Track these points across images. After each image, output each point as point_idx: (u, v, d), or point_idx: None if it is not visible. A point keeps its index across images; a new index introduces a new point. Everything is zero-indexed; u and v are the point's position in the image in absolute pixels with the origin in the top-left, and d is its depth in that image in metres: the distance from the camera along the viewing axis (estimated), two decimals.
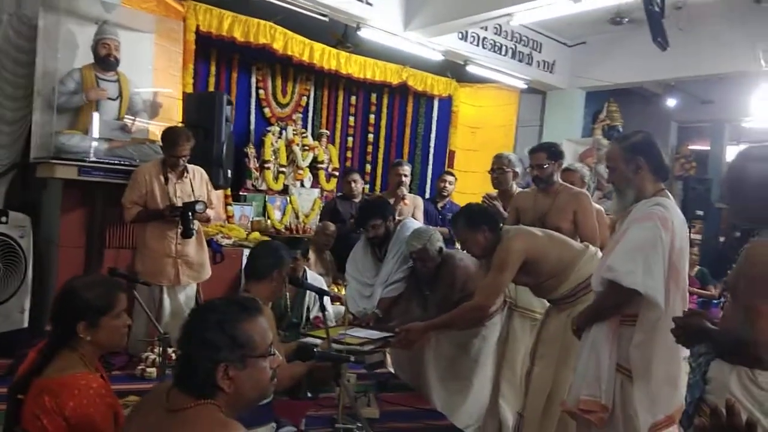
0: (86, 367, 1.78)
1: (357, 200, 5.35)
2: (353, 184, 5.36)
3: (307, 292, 4.13)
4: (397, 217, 4.02)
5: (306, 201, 6.34)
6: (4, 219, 3.91)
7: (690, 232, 8.26)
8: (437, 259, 3.47)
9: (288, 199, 6.19)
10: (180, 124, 4.38)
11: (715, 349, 1.72)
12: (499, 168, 4.03)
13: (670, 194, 2.31)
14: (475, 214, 2.92)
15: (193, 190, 3.92)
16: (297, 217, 6.19)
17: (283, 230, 5.79)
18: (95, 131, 4.07)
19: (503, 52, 6.71)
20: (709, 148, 9.00)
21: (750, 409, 1.61)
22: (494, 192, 4.11)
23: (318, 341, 2.78)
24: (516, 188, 4.10)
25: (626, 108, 8.29)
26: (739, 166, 1.82)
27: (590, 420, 2.24)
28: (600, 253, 2.84)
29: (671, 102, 8.04)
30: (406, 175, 4.93)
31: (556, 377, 2.70)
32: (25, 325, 4.04)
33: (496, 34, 6.60)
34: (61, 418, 1.67)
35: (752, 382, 1.63)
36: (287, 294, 4.11)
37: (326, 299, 4.02)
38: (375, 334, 3.14)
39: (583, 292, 2.67)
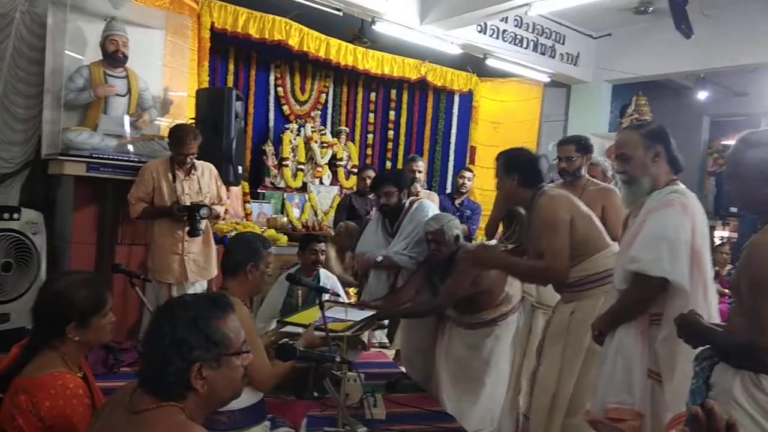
0: (66, 367, 1.75)
1: (372, 196, 5.27)
2: (368, 181, 5.27)
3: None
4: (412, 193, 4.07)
5: (325, 198, 6.30)
6: (16, 216, 3.95)
7: (724, 229, 7.96)
8: (452, 247, 3.36)
9: (307, 196, 6.16)
10: (190, 121, 4.36)
11: (719, 352, 1.60)
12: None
13: (681, 184, 2.21)
14: (515, 159, 2.75)
15: (200, 187, 3.89)
16: (316, 215, 6.15)
17: (301, 228, 5.75)
18: (107, 129, 4.08)
19: (524, 45, 6.54)
20: None
21: (753, 415, 1.50)
22: None
23: (299, 329, 2.67)
24: None
25: (656, 101, 8.01)
26: (738, 152, 1.71)
27: (621, 429, 2.10)
28: None
29: (702, 95, 7.72)
30: (420, 171, 4.84)
31: (560, 378, 2.57)
32: None
33: (516, 26, 6.43)
34: (37, 418, 1.64)
35: (757, 387, 1.52)
36: (299, 293, 4.04)
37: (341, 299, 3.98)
38: (358, 314, 3.01)
39: (591, 285, 2.56)
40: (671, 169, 2.22)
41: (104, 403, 1.51)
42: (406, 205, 3.70)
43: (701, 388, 1.61)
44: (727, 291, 6.05)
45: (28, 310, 3.95)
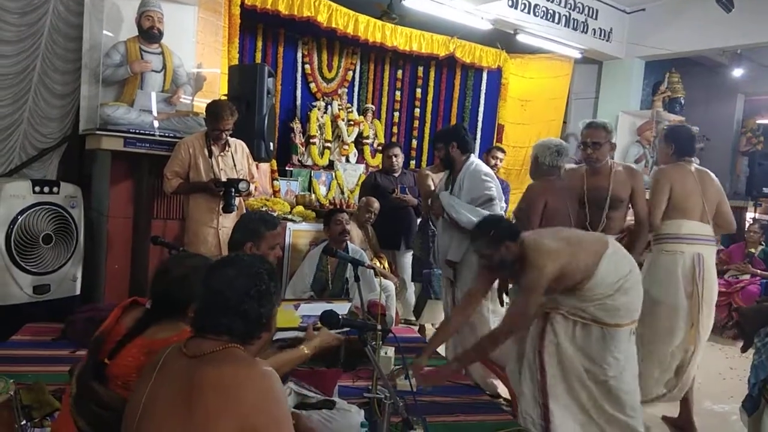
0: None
1: (397, 174, 5.27)
2: (394, 159, 5.25)
3: (348, 264, 4.10)
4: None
5: (351, 176, 6.31)
6: (56, 190, 4.05)
7: (755, 211, 7.82)
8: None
9: (333, 174, 6.18)
10: (223, 97, 4.40)
11: None
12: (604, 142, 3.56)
13: None
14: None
15: (234, 164, 3.93)
16: (342, 193, 6.18)
17: (328, 205, 5.78)
18: (143, 105, 4.13)
19: (556, 20, 6.43)
20: None
21: None
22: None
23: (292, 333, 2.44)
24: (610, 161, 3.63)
25: (689, 79, 7.85)
26: None
27: None
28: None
29: (737, 72, 7.53)
30: None
31: None
32: (77, 292, 4.21)
33: (548, 0, 6.32)
34: None
35: None
36: (328, 267, 4.10)
37: (370, 272, 4.01)
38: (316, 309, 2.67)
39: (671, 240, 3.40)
40: None
41: (151, 362, 1.54)
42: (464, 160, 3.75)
43: (764, 363, 1.59)
44: (759, 271, 5.98)
45: (68, 281, 4.10)
